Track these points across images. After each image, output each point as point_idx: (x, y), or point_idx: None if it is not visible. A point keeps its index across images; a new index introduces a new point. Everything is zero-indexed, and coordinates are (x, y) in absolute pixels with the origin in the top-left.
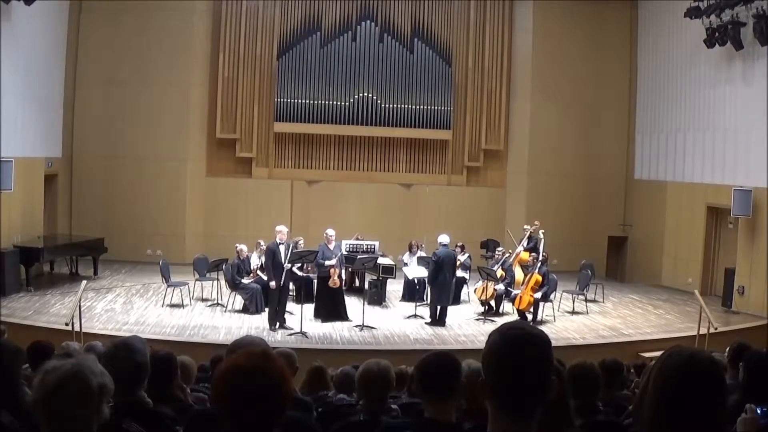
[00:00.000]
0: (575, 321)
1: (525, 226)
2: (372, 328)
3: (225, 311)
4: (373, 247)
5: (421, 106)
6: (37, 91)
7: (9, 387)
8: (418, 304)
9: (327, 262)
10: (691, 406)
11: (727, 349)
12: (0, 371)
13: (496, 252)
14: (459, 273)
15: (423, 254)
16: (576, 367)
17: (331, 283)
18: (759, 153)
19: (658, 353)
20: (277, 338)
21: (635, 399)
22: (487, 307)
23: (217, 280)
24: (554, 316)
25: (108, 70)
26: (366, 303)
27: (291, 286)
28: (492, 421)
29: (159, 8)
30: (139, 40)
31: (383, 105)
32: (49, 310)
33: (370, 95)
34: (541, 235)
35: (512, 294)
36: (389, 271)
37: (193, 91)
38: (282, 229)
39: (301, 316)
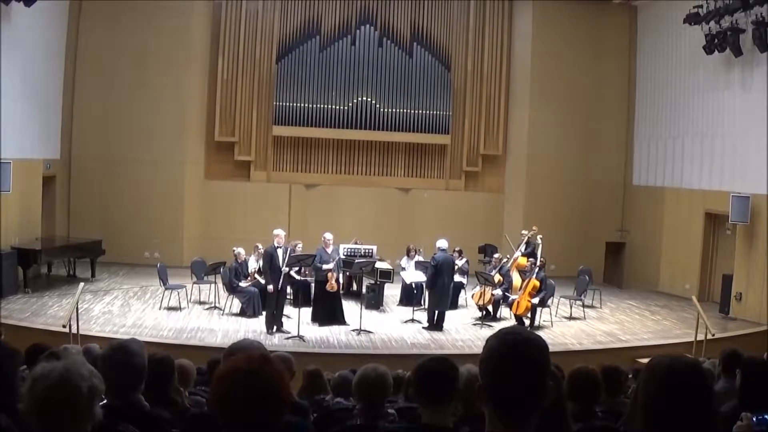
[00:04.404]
0: (573, 326)
1: (523, 231)
2: (369, 332)
3: (222, 314)
4: (370, 251)
5: (420, 111)
6: (36, 92)
7: (6, 389)
8: (415, 308)
9: (325, 266)
10: (678, 412)
11: (720, 356)
12: None
13: (494, 257)
14: (457, 278)
15: (421, 259)
16: (577, 372)
17: (328, 287)
18: (757, 160)
19: None
20: (275, 342)
21: (628, 407)
22: (484, 312)
23: (215, 283)
24: (552, 322)
25: (107, 72)
26: (363, 307)
27: (288, 289)
28: (489, 425)
29: (158, 11)
30: (138, 43)
31: (382, 109)
32: (47, 312)
33: (369, 99)
34: (539, 240)
35: (510, 299)
36: (387, 276)
37: (192, 93)
38: (280, 233)
39: (298, 320)
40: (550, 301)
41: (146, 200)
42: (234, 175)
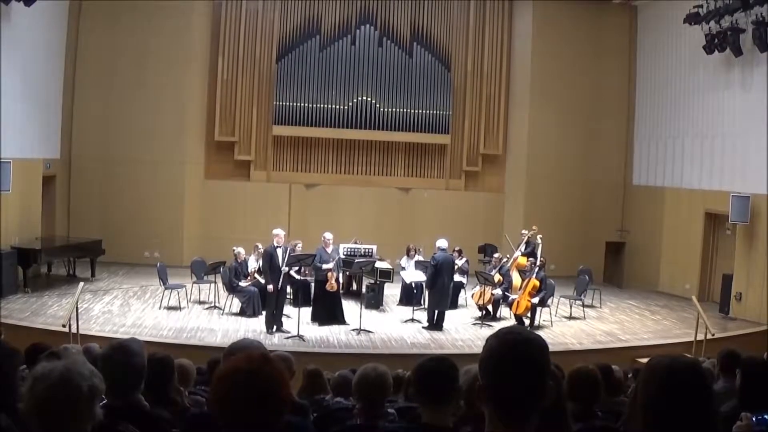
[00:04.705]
0: (572, 326)
1: (523, 231)
2: (369, 332)
3: (222, 314)
4: (370, 250)
5: (420, 111)
6: (36, 92)
7: (6, 389)
8: (415, 308)
9: (324, 266)
10: (678, 412)
11: (717, 356)
12: None
13: (494, 257)
14: (456, 277)
15: (421, 258)
16: (577, 372)
17: (328, 287)
18: (757, 159)
19: None
20: (274, 341)
21: (628, 407)
22: (484, 312)
23: (215, 282)
24: (551, 321)
25: (107, 72)
26: (363, 307)
27: (288, 289)
28: (489, 425)
29: (158, 11)
30: (138, 43)
31: (382, 109)
32: (47, 312)
33: (369, 99)
34: (539, 240)
35: (510, 299)
36: (387, 275)
37: (192, 93)
38: (279, 233)
39: (298, 320)
40: (550, 301)
41: (146, 200)
42: (234, 174)
